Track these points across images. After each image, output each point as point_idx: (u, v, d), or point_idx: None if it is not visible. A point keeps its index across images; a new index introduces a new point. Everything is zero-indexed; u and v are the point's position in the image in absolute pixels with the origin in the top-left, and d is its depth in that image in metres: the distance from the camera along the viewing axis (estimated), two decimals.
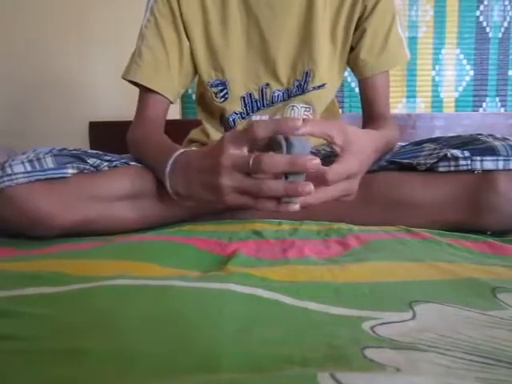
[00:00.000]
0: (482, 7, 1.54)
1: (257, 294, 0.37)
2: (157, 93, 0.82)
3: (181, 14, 0.81)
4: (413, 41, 1.54)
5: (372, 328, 0.31)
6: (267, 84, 0.85)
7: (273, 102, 0.87)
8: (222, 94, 0.86)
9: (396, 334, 0.30)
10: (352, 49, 0.85)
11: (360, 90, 0.88)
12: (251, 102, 0.86)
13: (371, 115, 0.86)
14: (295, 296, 0.37)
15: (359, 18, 0.82)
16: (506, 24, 1.56)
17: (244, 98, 0.86)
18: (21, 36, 1.54)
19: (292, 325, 0.32)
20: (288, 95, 0.87)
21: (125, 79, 0.84)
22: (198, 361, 0.27)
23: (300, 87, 0.85)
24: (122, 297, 0.37)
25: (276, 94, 0.86)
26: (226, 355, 0.27)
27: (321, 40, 0.82)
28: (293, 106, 0.87)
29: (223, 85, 0.85)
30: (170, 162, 0.60)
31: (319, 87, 0.86)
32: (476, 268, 0.46)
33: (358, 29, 0.83)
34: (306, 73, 0.84)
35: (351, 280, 0.42)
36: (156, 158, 0.66)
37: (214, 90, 0.86)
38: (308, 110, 0.88)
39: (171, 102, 0.85)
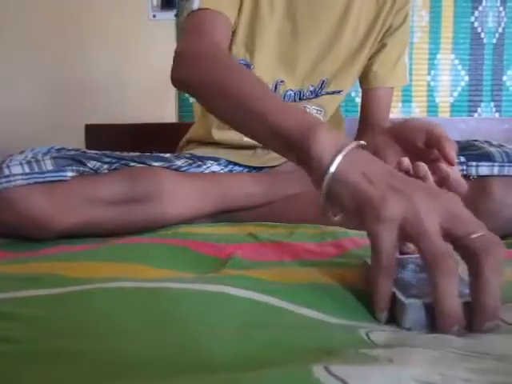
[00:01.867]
0: (476, 13, 1.55)
1: (253, 297, 0.37)
2: (221, 13, 0.71)
3: None
4: (409, 46, 1.56)
5: (367, 334, 0.31)
6: (282, 81, 0.86)
7: (284, 101, 0.87)
8: None
9: (391, 339, 0.30)
10: (369, 58, 0.89)
11: (362, 100, 0.91)
12: None
13: (371, 127, 0.87)
14: (291, 300, 0.37)
15: (385, 32, 0.86)
16: (500, 30, 1.57)
17: None
18: (18, 38, 1.53)
19: (288, 328, 0.33)
20: (300, 97, 0.87)
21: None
22: (194, 363, 0.27)
23: (313, 92, 0.87)
24: (118, 299, 0.37)
25: (288, 93, 0.86)
26: (221, 357, 0.27)
27: (346, 53, 0.85)
28: (305, 106, 0.88)
29: (247, 67, 0.83)
30: (352, 145, 0.39)
31: (334, 92, 0.87)
32: None
33: (380, 42, 0.87)
34: (323, 81, 0.85)
35: (349, 282, 0.42)
36: (275, 110, 0.46)
37: None
38: (319, 112, 0.89)
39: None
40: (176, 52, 0.67)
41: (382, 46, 0.88)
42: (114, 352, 0.29)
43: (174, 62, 0.67)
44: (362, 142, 0.41)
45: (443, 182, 0.46)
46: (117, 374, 0.26)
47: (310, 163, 0.40)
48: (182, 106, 1.54)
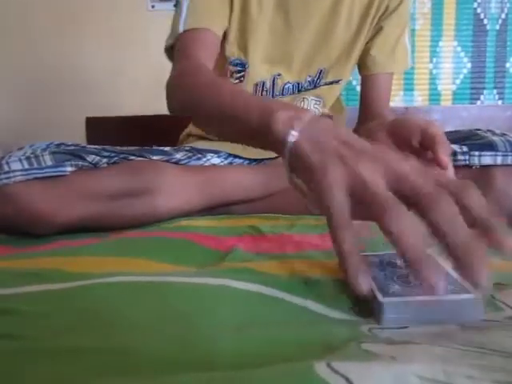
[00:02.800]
0: None
1: (255, 290, 0.37)
2: (207, 29, 0.74)
3: None
4: (411, 33, 1.54)
5: (370, 330, 0.31)
6: (279, 74, 0.85)
7: (283, 94, 0.87)
8: (238, 75, 0.85)
9: (394, 335, 0.30)
10: (366, 42, 0.87)
11: (362, 88, 0.89)
12: (262, 90, 0.86)
13: (371, 115, 0.86)
14: (294, 293, 0.37)
15: (381, 15, 0.84)
16: (503, 16, 1.55)
17: (257, 85, 0.85)
18: (18, 33, 1.53)
19: (289, 322, 0.32)
20: (298, 89, 0.86)
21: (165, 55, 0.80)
22: (196, 358, 0.27)
23: (312, 83, 0.86)
24: (120, 294, 0.37)
25: (287, 86, 0.86)
26: (223, 353, 0.27)
27: (342, 42, 0.83)
28: (304, 97, 0.88)
29: (242, 66, 0.84)
30: (307, 118, 0.41)
31: (332, 83, 0.86)
32: None
33: (376, 26, 0.85)
34: (321, 71, 0.84)
35: None
36: (248, 108, 0.48)
37: (232, 68, 0.85)
38: (318, 103, 0.88)
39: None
40: (166, 83, 0.70)
41: (378, 29, 0.85)
42: (116, 348, 0.29)
43: (166, 93, 0.70)
44: (323, 111, 0.41)
45: None
46: (118, 370, 0.26)
47: (274, 144, 0.42)
48: None
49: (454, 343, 0.28)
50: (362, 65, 0.88)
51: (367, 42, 0.87)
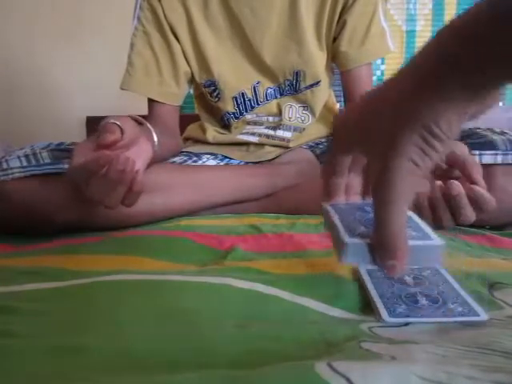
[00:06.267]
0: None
1: (255, 289, 0.37)
2: (156, 100, 0.83)
3: (166, 18, 0.81)
4: (411, 34, 1.54)
5: (370, 328, 0.31)
6: (258, 82, 0.85)
7: (267, 99, 0.87)
8: (215, 94, 0.86)
9: (393, 334, 0.30)
10: (334, 40, 0.84)
11: (342, 83, 0.88)
12: (244, 101, 0.86)
13: None
14: (294, 291, 0.37)
15: (341, 10, 0.81)
16: None
17: (236, 98, 0.86)
18: (19, 33, 1.53)
19: (290, 321, 0.32)
20: (280, 93, 0.86)
21: (123, 89, 0.85)
22: (196, 358, 0.27)
23: (292, 87, 0.85)
24: (120, 292, 0.37)
25: (269, 92, 0.86)
26: (223, 351, 0.27)
27: (309, 37, 0.81)
28: (290, 105, 0.87)
29: (214, 85, 0.85)
30: None
31: (312, 86, 0.85)
32: (474, 261, 0.45)
33: (340, 20, 0.82)
34: (297, 73, 0.83)
35: (350, 273, 0.42)
36: None
37: (208, 90, 0.86)
38: (306, 109, 0.88)
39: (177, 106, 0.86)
40: None
41: (342, 24, 0.81)
42: (115, 346, 0.28)
43: None
44: None
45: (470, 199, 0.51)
46: (118, 369, 0.26)
47: None
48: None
49: (453, 343, 0.27)
50: (336, 61, 0.86)
51: (335, 39, 0.84)
